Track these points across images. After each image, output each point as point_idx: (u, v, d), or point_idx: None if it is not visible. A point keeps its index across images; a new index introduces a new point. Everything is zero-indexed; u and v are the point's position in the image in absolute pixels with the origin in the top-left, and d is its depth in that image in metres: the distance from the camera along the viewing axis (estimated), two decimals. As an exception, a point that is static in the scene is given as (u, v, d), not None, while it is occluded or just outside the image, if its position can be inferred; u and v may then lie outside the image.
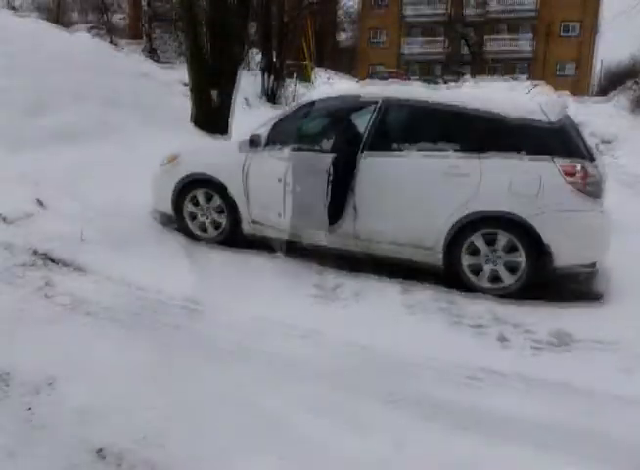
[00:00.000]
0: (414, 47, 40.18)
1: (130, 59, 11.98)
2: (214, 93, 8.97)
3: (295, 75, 18.63)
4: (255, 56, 20.02)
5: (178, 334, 3.42)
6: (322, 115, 5.04)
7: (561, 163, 4.07)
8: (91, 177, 5.69)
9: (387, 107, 4.59)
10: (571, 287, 4.49)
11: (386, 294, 4.20)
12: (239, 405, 2.67)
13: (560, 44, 35.68)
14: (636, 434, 2.59)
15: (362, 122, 4.69)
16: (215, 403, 2.67)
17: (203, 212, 5.17)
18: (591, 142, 4.71)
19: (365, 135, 4.57)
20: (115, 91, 8.46)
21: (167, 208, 5.29)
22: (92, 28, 24.13)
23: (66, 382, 2.77)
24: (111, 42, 20.90)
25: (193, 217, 5.21)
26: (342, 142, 4.71)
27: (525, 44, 36.77)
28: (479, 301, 4.10)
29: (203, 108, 8.97)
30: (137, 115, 8.07)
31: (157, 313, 3.67)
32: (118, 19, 30.69)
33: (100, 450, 2.33)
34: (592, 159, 4.23)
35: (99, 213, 4.99)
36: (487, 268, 4.26)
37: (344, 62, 37.60)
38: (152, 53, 22.22)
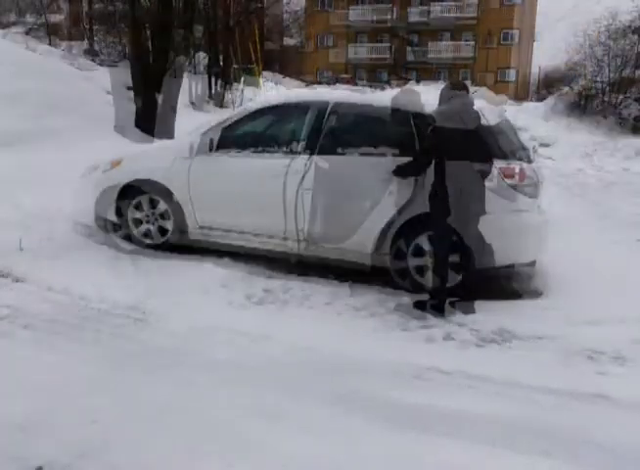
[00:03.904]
0: (361, 52, 40.62)
1: (61, 61, 11.59)
2: (159, 97, 8.83)
3: (242, 79, 18.54)
4: (202, 59, 19.81)
5: (122, 344, 3.33)
6: (275, 119, 5.00)
7: (500, 164, 4.20)
8: (29, 184, 5.47)
9: (332, 111, 4.60)
10: (512, 285, 4.65)
11: (334, 297, 4.23)
12: (186, 414, 2.62)
13: (500, 51, 36.91)
14: (575, 426, 2.69)
15: (306, 126, 4.67)
16: (161, 413, 2.62)
17: (147, 218, 5.06)
18: (529, 145, 4.88)
19: (304, 138, 4.57)
20: (54, 95, 8.18)
21: (111, 214, 5.15)
22: (30, 30, 23.28)
23: (4, 398, 2.66)
24: (50, 43, 20.24)
25: (137, 223, 5.10)
26: (290, 146, 4.70)
27: (467, 51, 37.81)
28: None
29: (147, 111, 8.81)
30: (76, 119, 7.83)
31: (100, 323, 3.56)
32: (58, 19, 29.68)
33: (40, 468, 2.24)
34: (529, 161, 4.39)
35: (38, 221, 4.82)
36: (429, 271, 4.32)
37: (292, 66, 37.62)
38: (93, 54, 21.63)
